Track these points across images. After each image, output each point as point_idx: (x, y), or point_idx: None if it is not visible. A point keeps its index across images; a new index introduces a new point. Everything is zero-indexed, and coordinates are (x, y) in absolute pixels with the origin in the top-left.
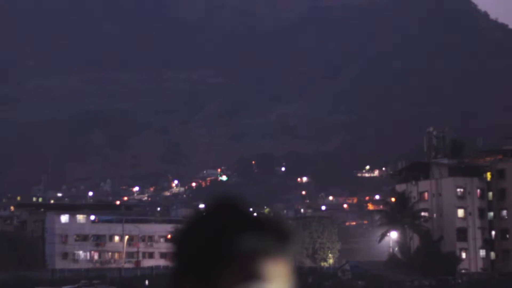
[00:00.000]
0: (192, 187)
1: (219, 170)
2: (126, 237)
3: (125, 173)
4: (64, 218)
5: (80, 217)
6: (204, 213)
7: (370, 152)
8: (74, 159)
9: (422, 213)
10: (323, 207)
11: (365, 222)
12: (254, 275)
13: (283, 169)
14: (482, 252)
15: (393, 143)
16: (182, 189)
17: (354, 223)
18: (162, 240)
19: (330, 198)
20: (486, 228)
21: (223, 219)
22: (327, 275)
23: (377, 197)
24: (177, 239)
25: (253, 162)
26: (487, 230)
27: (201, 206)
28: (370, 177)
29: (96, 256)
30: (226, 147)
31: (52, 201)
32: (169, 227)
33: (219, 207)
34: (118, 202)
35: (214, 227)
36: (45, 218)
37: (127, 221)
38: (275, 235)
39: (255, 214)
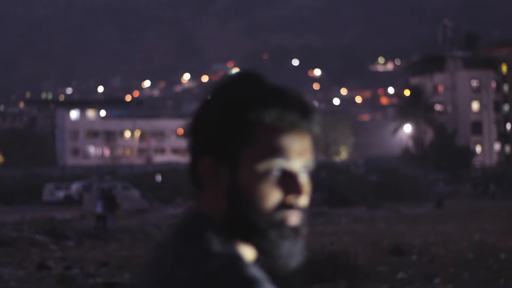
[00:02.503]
0: (203, 82)
1: (230, 65)
2: (137, 132)
3: (136, 68)
4: (74, 114)
5: (91, 113)
6: (226, 84)
7: (385, 45)
8: (84, 54)
9: (437, 107)
10: (336, 101)
11: (379, 116)
12: (278, 150)
13: (296, 62)
14: (497, 146)
15: (407, 35)
16: (193, 84)
17: (367, 117)
18: (173, 135)
19: (343, 92)
20: (501, 121)
21: (247, 91)
22: (340, 169)
23: (391, 90)
24: (197, 113)
25: (265, 55)
26: (502, 124)
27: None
28: (384, 71)
29: (107, 153)
30: (238, 41)
31: (62, 97)
32: (180, 122)
33: (242, 78)
34: (129, 98)
35: (237, 99)
36: (55, 114)
37: (138, 117)
38: (299, 110)
39: (279, 86)
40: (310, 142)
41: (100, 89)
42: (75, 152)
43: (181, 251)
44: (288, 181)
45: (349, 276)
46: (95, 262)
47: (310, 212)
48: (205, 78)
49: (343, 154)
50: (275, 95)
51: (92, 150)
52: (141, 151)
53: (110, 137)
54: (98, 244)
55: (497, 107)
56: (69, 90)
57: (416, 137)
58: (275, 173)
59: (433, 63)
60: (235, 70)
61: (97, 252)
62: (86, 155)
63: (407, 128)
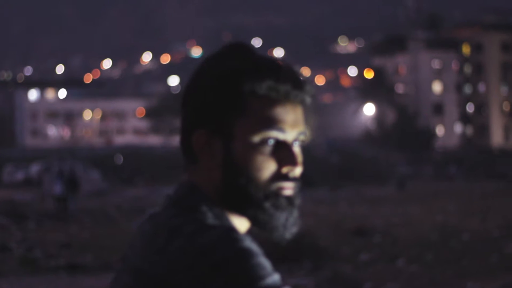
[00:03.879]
0: (163, 62)
1: (191, 44)
2: (98, 113)
3: (96, 48)
4: (34, 94)
5: (50, 93)
6: (218, 55)
7: (347, 25)
8: (43, 34)
9: (398, 88)
10: None
11: (340, 97)
12: (272, 122)
13: (258, 42)
14: (459, 128)
15: (370, 15)
16: (154, 64)
17: (328, 98)
18: (134, 116)
19: (305, 73)
20: (463, 103)
21: (239, 61)
22: (301, 150)
23: (352, 71)
24: (188, 85)
25: (227, 35)
26: (464, 105)
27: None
28: (346, 51)
29: (67, 134)
30: (198, 21)
31: (21, 77)
32: (141, 102)
33: (233, 49)
34: (89, 78)
35: (230, 70)
36: (13, 95)
37: (98, 97)
38: (292, 81)
39: (270, 58)
40: (302, 114)
41: (60, 69)
42: (35, 133)
43: (176, 223)
44: (282, 152)
45: (314, 257)
46: (56, 244)
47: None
48: (165, 58)
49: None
50: (268, 66)
51: (51, 131)
52: (101, 132)
53: (70, 118)
54: (59, 226)
55: (459, 88)
56: (28, 70)
57: (378, 118)
58: (269, 144)
59: (395, 43)
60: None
61: (58, 234)
62: (46, 136)
63: (369, 110)
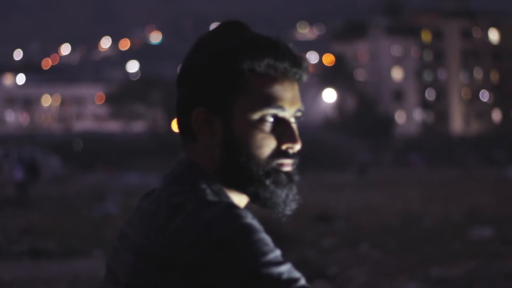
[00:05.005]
0: (122, 47)
1: (150, 30)
2: (57, 99)
3: (54, 33)
4: None
5: (8, 79)
6: (215, 34)
7: (305, 11)
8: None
9: (358, 75)
10: None
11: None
12: (271, 99)
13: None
14: (419, 114)
15: (329, 2)
16: (112, 49)
17: None
18: (93, 101)
19: None
20: (422, 90)
21: (237, 39)
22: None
23: (311, 58)
24: (186, 64)
25: (188, 22)
26: (423, 92)
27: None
28: (305, 38)
29: (26, 120)
30: (156, 6)
31: None
32: (100, 88)
33: (230, 27)
34: (47, 63)
35: (228, 47)
36: None
37: (57, 83)
38: (290, 59)
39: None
40: (298, 91)
41: (18, 54)
42: None
43: (177, 201)
44: (282, 129)
45: (276, 243)
46: (18, 230)
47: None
48: (124, 44)
49: None
50: (267, 44)
51: (9, 116)
52: (60, 118)
53: (28, 103)
54: (19, 212)
55: (419, 75)
56: None
57: (338, 106)
58: (269, 122)
59: (355, 30)
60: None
61: (19, 220)
62: (4, 122)
63: (329, 96)
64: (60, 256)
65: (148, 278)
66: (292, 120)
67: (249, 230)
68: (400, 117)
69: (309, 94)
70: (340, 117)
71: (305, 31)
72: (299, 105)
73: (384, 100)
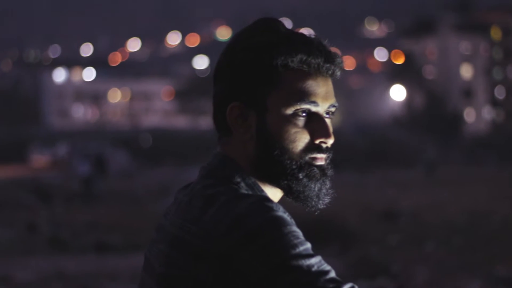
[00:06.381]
0: (189, 45)
1: (218, 25)
2: (125, 94)
3: (121, 28)
4: (61, 75)
5: (77, 74)
6: (250, 30)
7: (374, 8)
8: (68, 15)
9: (427, 72)
10: None
11: (368, 81)
12: (304, 94)
13: (285, 23)
14: (488, 112)
15: None
16: (180, 44)
17: (356, 82)
18: (161, 97)
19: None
20: (492, 88)
21: (272, 35)
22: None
23: (380, 54)
24: (222, 59)
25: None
26: (493, 90)
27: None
28: (372, 34)
29: (95, 115)
30: (225, 2)
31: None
32: (168, 83)
33: (265, 24)
34: (115, 59)
35: (263, 43)
36: (41, 75)
37: (125, 78)
38: (324, 55)
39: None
40: (332, 87)
41: (86, 49)
42: (61, 114)
43: (211, 193)
44: (315, 124)
45: (340, 240)
46: (84, 224)
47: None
48: (192, 39)
49: (333, 119)
50: (300, 40)
51: (78, 112)
52: (128, 113)
53: (96, 98)
54: (85, 207)
55: (488, 73)
56: (54, 51)
57: (407, 103)
58: (302, 116)
59: (423, 27)
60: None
61: (85, 214)
62: (73, 117)
63: (397, 93)
64: (124, 250)
65: (181, 268)
66: (326, 115)
67: (280, 222)
68: (469, 115)
69: (377, 91)
70: (408, 115)
71: (374, 28)
72: (332, 100)
73: (453, 98)
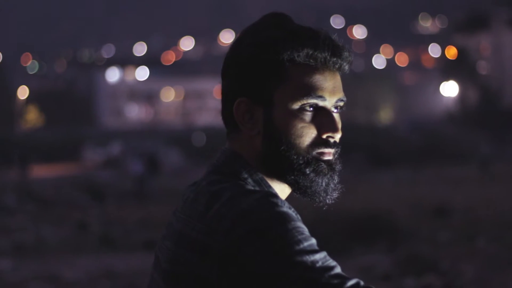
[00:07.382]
0: None
1: None
2: (178, 93)
3: (175, 28)
4: (114, 74)
5: (130, 74)
6: (257, 25)
7: (427, 3)
8: (122, 13)
9: (481, 67)
10: (378, 62)
11: (421, 77)
12: (311, 89)
13: (339, 20)
14: None
15: None
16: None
17: (409, 78)
18: (214, 96)
19: (386, 53)
20: None
21: (278, 30)
22: (383, 130)
23: (433, 50)
24: (229, 55)
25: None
26: None
27: None
28: (425, 30)
29: (147, 114)
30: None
31: (101, 58)
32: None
33: (272, 19)
34: (168, 58)
35: (269, 39)
36: (95, 75)
37: (179, 77)
38: (331, 49)
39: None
40: (340, 81)
41: (140, 49)
42: (115, 113)
43: (217, 189)
44: (322, 119)
45: (389, 236)
46: (135, 222)
47: (350, 172)
48: None
49: (387, 115)
50: (306, 34)
51: (131, 111)
52: (182, 112)
53: (150, 98)
54: (137, 205)
55: None
56: (108, 51)
57: (460, 98)
58: (309, 111)
59: (477, 22)
60: None
61: (136, 213)
62: (126, 117)
63: (450, 89)
64: None
65: (185, 264)
66: (334, 109)
67: (284, 218)
68: None
69: (431, 87)
70: (462, 110)
71: (427, 24)
72: (340, 94)
73: (508, 94)
